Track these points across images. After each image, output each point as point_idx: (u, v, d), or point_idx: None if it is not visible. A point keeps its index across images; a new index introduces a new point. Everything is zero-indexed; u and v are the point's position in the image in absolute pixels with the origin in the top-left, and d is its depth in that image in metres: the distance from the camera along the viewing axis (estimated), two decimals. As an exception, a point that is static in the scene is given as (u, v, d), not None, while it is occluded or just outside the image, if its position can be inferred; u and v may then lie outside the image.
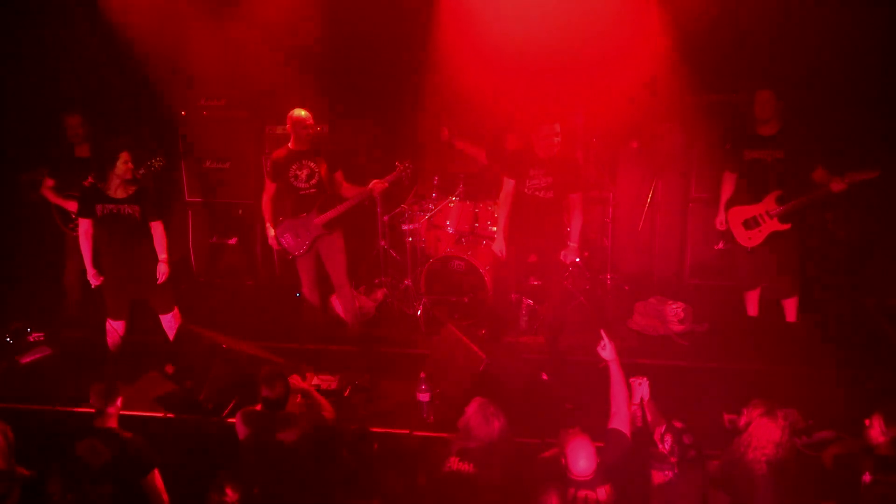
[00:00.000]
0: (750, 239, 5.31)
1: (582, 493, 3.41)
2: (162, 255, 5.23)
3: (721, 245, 5.46)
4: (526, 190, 5.18)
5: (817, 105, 5.76)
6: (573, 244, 5.23)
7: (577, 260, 5.39)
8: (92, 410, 3.93)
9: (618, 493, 3.46)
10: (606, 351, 3.87)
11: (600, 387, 4.80)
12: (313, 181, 5.49)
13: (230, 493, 3.41)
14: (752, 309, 5.66)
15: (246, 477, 3.73)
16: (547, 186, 5.12)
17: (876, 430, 3.58)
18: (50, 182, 5.85)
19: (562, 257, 5.22)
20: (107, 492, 3.71)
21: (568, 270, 5.44)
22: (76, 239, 5.90)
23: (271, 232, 5.64)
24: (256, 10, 6.49)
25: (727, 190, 5.45)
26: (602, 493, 3.43)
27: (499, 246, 5.38)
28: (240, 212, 6.98)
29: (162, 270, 5.23)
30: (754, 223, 5.27)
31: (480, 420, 3.69)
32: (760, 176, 5.20)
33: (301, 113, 5.40)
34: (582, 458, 3.40)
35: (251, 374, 4.38)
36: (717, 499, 3.64)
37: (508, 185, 5.28)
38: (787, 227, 5.17)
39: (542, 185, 5.13)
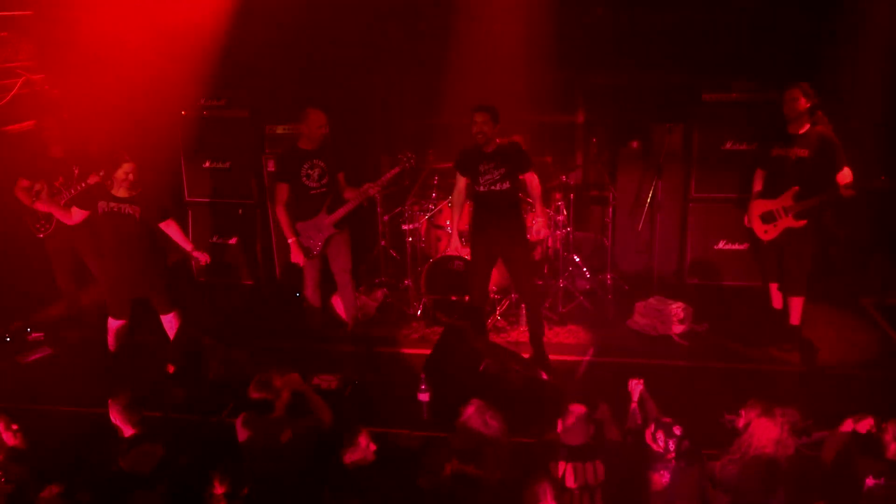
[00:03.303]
0: (766, 232, 5.37)
1: (570, 468, 3.51)
2: (188, 246, 5.32)
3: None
4: (481, 187, 5.17)
5: (846, 108, 5.71)
6: (540, 218, 5.25)
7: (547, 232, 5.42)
8: (97, 410, 3.95)
9: (610, 477, 3.54)
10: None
11: (599, 387, 4.84)
12: (324, 181, 5.48)
13: (217, 486, 3.45)
14: (777, 301, 5.62)
15: (243, 476, 3.75)
16: (501, 178, 5.12)
17: (889, 435, 3.58)
18: (24, 183, 5.83)
19: (534, 235, 5.21)
20: (162, 491, 3.76)
21: (535, 264, 5.43)
22: (52, 240, 5.93)
23: (294, 243, 5.49)
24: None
25: (757, 186, 5.49)
26: (591, 469, 3.51)
27: (454, 244, 5.41)
28: (240, 212, 6.98)
29: (202, 257, 5.34)
30: (771, 217, 5.32)
31: (479, 422, 3.71)
32: (782, 172, 5.25)
33: (318, 112, 5.40)
34: (578, 411, 3.59)
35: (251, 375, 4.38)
36: (717, 499, 3.64)
37: (460, 181, 5.30)
38: (801, 224, 5.19)
39: (495, 177, 5.12)
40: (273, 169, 6.68)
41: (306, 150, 5.46)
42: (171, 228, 5.26)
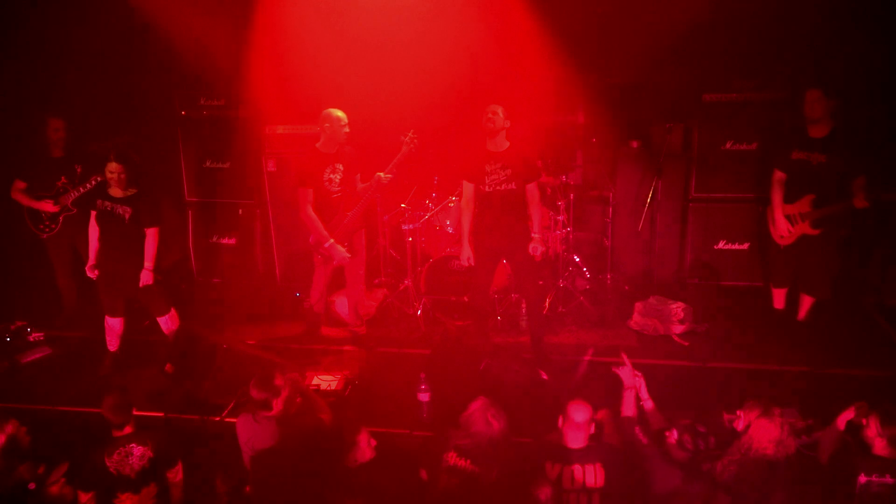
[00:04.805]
0: (782, 238, 5.31)
1: (569, 470, 3.50)
2: (147, 263, 5.21)
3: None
4: (486, 187, 5.11)
5: (869, 113, 5.68)
6: (537, 235, 5.18)
7: (543, 249, 5.36)
8: (94, 410, 3.95)
9: (609, 482, 3.53)
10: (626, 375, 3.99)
11: (599, 386, 4.83)
12: (344, 185, 5.40)
13: (219, 485, 3.47)
14: (779, 302, 5.61)
15: (244, 475, 3.75)
16: (507, 179, 5.06)
17: (872, 431, 3.58)
18: (21, 185, 5.82)
19: (530, 251, 5.17)
20: (153, 492, 3.78)
21: (538, 265, 5.43)
22: (53, 240, 5.94)
23: (332, 245, 5.35)
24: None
25: (776, 189, 5.31)
26: (590, 471, 3.50)
27: (465, 253, 5.27)
28: (240, 212, 6.98)
29: (144, 278, 5.22)
30: (789, 222, 5.25)
31: (481, 420, 3.72)
32: (802, 177, 5.14)
33: (340, 113, 5.26)
34: (580, 413, 3.59)
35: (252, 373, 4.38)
36: (717, 499, 3.64)
37: (468, 189, 5.21)
38: (816, 232, 5.12)
39: (501, 178, 5.07)
40: (273, 169, 6.69)
41: (327, 154, 5.34)
42: (150, 237, 5.22)
